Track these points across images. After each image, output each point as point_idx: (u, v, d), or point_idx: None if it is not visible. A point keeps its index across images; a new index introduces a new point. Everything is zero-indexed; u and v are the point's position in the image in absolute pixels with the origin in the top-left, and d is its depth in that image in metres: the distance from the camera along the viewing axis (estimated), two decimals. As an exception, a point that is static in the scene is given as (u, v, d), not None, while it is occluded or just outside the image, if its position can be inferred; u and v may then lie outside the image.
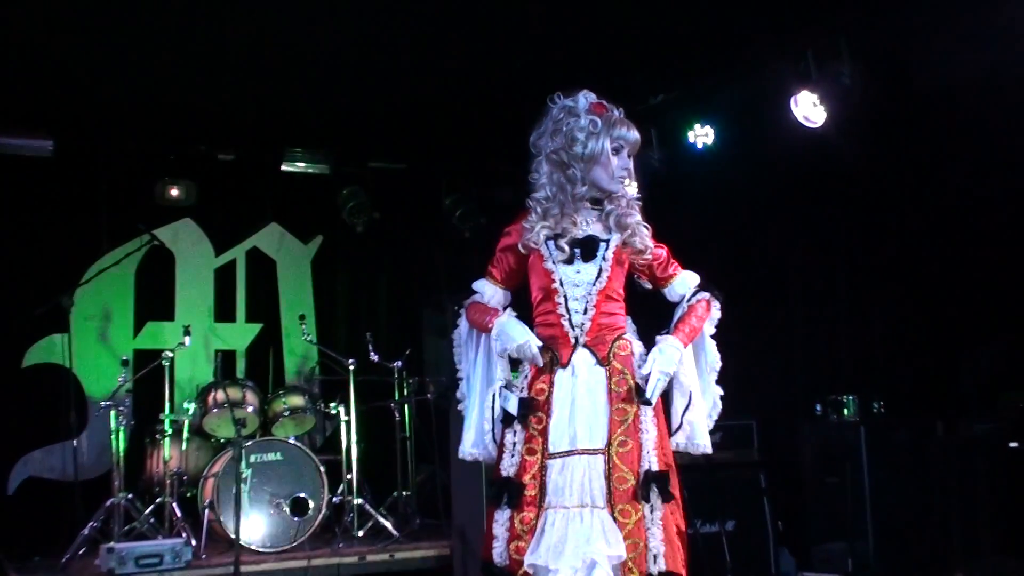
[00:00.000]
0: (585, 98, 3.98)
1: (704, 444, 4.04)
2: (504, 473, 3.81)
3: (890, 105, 6.64)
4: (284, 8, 6.54)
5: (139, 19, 6.60)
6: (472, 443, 4.00)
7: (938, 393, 6.72)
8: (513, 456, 3.80)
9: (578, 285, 3.88)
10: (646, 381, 3.79)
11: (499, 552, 3.73)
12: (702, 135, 7.72)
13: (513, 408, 3.83)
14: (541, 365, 3.84)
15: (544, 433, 3.79)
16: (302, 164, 9.42)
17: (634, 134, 4.00)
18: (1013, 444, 6.11)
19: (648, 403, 3.79)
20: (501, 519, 3.75)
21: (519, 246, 3.97)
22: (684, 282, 4.16)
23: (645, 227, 4.01)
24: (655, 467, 3.75)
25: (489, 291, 4.09)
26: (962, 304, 6.60)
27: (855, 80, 6.44)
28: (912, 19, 6.28)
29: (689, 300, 4.12)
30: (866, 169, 7.05)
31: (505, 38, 7.00)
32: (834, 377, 7.45)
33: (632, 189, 4.11)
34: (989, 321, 6.43)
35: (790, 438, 7.36)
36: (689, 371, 4.05)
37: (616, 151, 3.93)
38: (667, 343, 3.91)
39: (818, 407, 7.17)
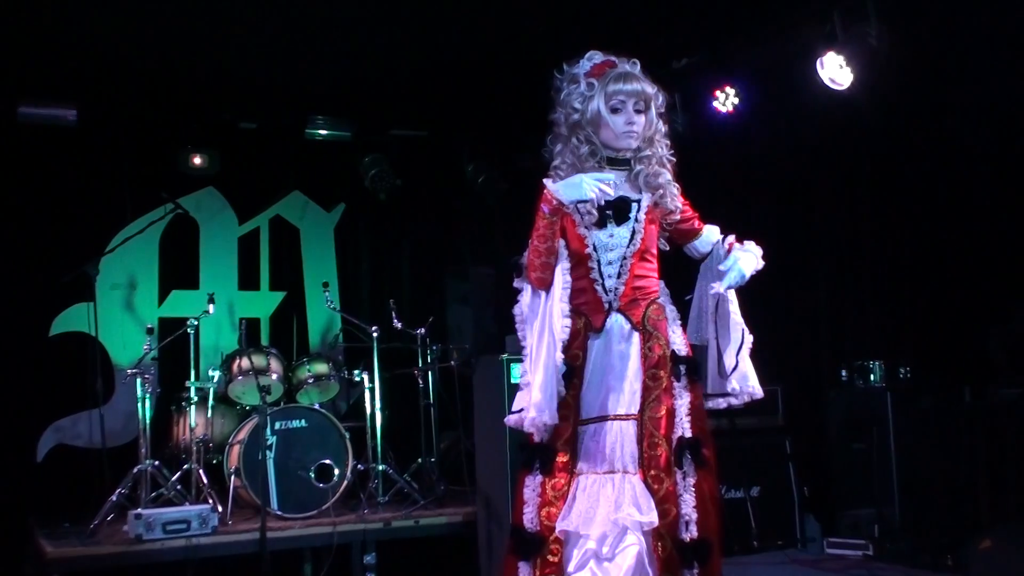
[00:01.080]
0: (589, 61, 3.92)
1: (756, 388, 4.02)
2: (536, 438, 3.79)
3: (917, 66, 6.55)
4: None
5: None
6: (540, 407, 3.69)
7: (965, 359, 6.67)
8: None
9: (612, 249, 3.84)
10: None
11: (530, 518, 3.72)
12: (727, 99, 7.64)
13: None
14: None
15: (577, 399, 3.79)
16: (324, 132, 9.40)
17: (632, 86, 3.85)
18: (1041, 409, 6.07)
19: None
20: (532, 484, 3.75)
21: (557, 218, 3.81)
22: (712, 234, 4.11)
23: (675, 186, 3.96)
24: (688, 433, 3.74)
25: (562, 253, 3.88)
26: (990, 270, 6.54)
27: (882, 41, 6.34)
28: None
29: (722, 243, 4.06)
30: (894, 131, 6.97)
31: (527, 2, 6.95)
32: (860, 342, 7.40)
33: (661, 146, 3.97)
34: (1018, 287, 6.37)
35: (816, 404, 7.34)
36: (736, 309, 4.02)
37: (615, 109, 3.83)
38: (750, 245, 3.94)
39: (844, 373, 7.14)
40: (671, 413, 3.75)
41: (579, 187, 3.66)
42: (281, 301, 9.71)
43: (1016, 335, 6.42)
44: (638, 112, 3.85)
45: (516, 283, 3.89)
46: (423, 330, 8.40)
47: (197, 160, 9.07)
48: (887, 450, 6.66)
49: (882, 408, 6.72)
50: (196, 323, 7.96)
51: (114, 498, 7.31)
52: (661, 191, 3.91)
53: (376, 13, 7.11)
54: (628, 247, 3.84)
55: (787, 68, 7.14)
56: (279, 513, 7.38)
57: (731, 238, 4.03)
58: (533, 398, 3.69)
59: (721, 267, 3.83)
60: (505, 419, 3.89)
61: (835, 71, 6.65)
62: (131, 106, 8.69)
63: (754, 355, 4.10)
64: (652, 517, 3.61)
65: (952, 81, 6.53)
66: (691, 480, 3.69)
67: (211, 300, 8.07)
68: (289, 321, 9.25)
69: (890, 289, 7.30)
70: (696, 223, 4.09)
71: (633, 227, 3.85)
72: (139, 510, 6.85)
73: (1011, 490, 6.24)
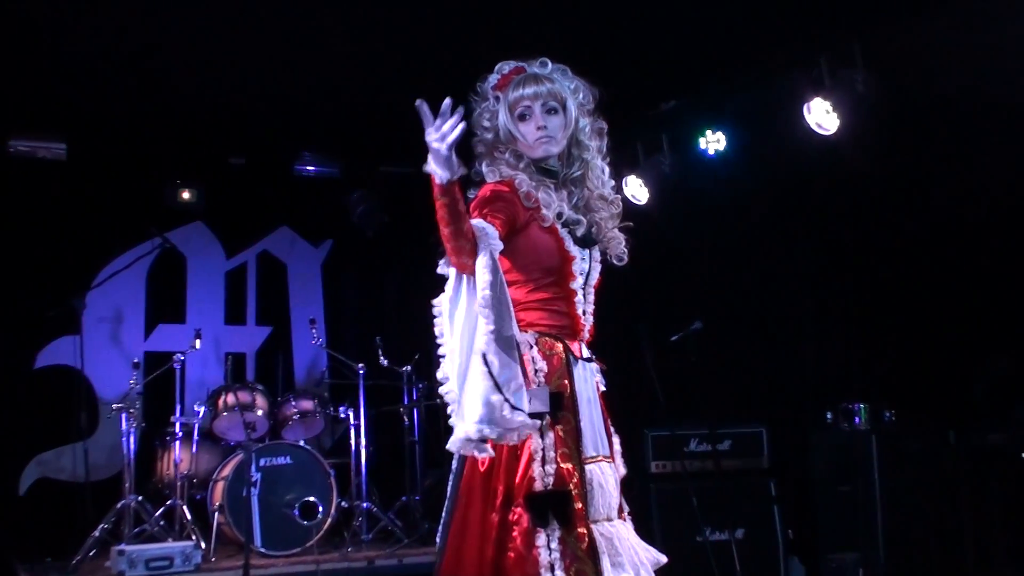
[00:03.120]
0: (497, 73, 3.54)
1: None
2: (540, 484, 3.17)
3: (904, 113, 6.61)
4: (294, 12, 6.55)
5: (150, 24, 6.62)
6: (480, 418, 3.04)
7: (950, 402, 6.69)
8: (546, 464, 3.19)
9: (582, 273, 3.45)
10: None
11: None
12: (714, 141, 7.70)
13: (545, 404, 3.16)
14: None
15: (576, 435, 3.29)
16: (312, 168, 9.43)
17: (535, 87, 3.42)
18: (1026, 454, 6.09)
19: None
20: (547, 541, 3.13)
21: (520, 210, 3.33)
22: None
23: (622, 238, 3.62)
24: (624, 471, 3.53)
25: (492, 234, 3.18)
26: (975, 312, 6.57)
27: (869, 87, 6.41)
28: (926, 26, 6.27)
29: None
30: (879, 177, 7.03)
31: (515, 41, 6.97)
32: (845, 385, 7.42)
33: (596, 161, 3.55)
34: (1002, 330, 6.41)
35: (801, 446, 7.34)
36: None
37: (522, 117, 3.42)
38: None
39: (829, 415, 7.14)
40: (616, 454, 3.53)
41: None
42: (267, 336, 9.72)
43: (1000, 378, 6.45)
44: (550, 112, 3.43)
45: (441, 268, 3.26)
46: (409, 367, 8.42)
47: (186, 195, 9.09)
48: (872, 493, 6.65)
49: (867, 451, 6.72)
50: (182, 358, 7.95)
51: (97, 533, 7.29)
52: (615, 241, 3.60)
53: (364, 51, 7.16)
54: (591, 274, 3.50)
55: (774, 112, 7.20)
56: (263, 551, 7.36)
57: None
58: (469, 411, 3.07)
59: None
60: (448, 445, 3.19)
61: (822, 116, 6.70)
62: (120, 140, 8.71)
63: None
64: (660, 555, 3.43)
65: (938, 128, 6.59)
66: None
67: (198, 336, 8.09)
68: (275, 356, 9.24)
69: (875, 332, 7.33)
70: None
71: (593, 252, 3.53)
72: (122, 546, 6.84)
73: (996, 535, 6.25)
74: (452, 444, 3.18)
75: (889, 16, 6.33)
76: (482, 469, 3.26)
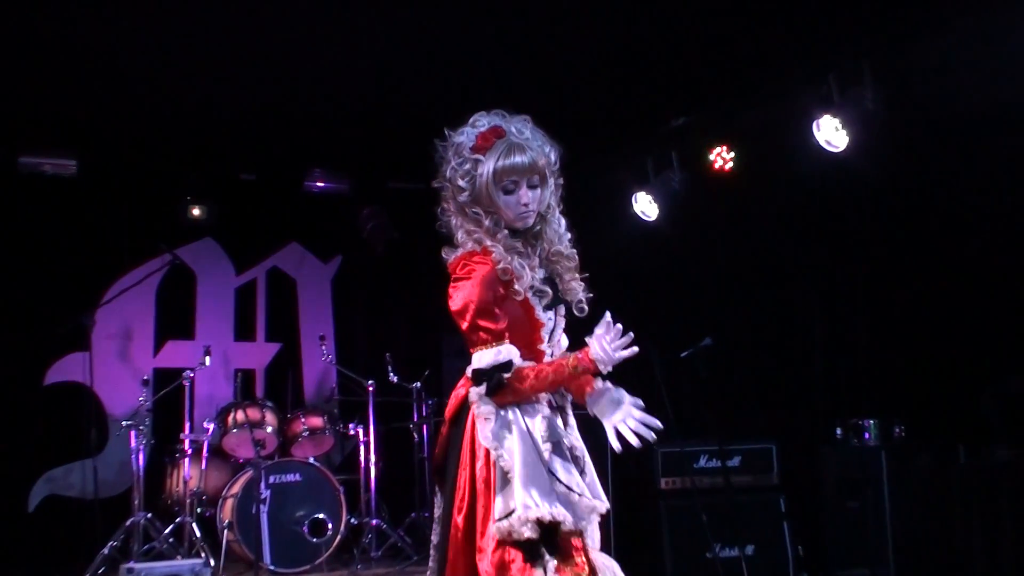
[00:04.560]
0: (473, 129, 3.46)
1: None
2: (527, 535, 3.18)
3: (913, 130, 6.61)
4: (304, 29, 6.57)
5: (161, 41, 6.65)
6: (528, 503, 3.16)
7: (960, 418, 6.67)
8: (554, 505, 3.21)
9: (548, 332, 3.49)
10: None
11: None
12: (724, 158, 7.71)
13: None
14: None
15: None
16: (322, 184, 9.45)
17: (523, 159, 3.37)
18: (1037, 470, 6.07)
19: None
20: (543, 574, 3.16)
21: (499, 287, 3.36)
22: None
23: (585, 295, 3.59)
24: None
25: (516, 353, 3.33)
26: (985, 329, 6.56)
27: (878, 105, 6.42)
28: (935, 43, 6.27)
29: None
30: (888, 193, 7.03)
31: (525, 59, 7.02)
32: (855, 401, 7.41)
33: (558, 229, 3.56)
34: (1013, 347, 6.39)
35: (810, 462, 7.32)
36: None
37: (508, 190, 3.38)
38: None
39: (839, 431, 7.13)
40: None
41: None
42: (277, 353, 9.72)
43: (1011, 394, 6.43)
44: (533, 188, 3.41)
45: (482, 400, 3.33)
46: (419, 384, 8.42)
47: (196, 211, 9.11)
48: (882, 509, 6.64)
49: (877, 467, 6.70)
50: (191, 375, 7.96)
51: (106, 550, 7.29)
52: (568, 293, 3.57)
53: (374, 68, 7.19)
54: (556, 331, 3.54)
55: (783, 129, 7.20)
56: (272, 568, 7.36)
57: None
58: (519, 495, 3.17)
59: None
60: (494, 527, 3.20)
61: (831, 134, 6.70)
62: (131, 157, 8.75)
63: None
64: None
65: (947, 144, 6.59)
66: None
67: (207, 352, 8.10)
68: (284, 373, 9.25)
69: (885, 348, 7.32)
70: None
71: (558, 310, 3.55)
72: (131, 564, 6.83)
73: (1007, 550, 6.22)
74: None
75: (898, 34, 6.34)
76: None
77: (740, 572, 6.64)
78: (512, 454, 3.23)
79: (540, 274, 3.46)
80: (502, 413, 3.29)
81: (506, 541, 3.17)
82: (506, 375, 3.27)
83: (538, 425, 3.30)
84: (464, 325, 3.33)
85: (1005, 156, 6.21)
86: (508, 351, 3.29)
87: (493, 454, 3.24)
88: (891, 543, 6.55)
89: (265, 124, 8.26)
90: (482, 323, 3.30)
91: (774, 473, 7.28)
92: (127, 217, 8.99)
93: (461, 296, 3.34)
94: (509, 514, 3.15)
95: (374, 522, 7.93)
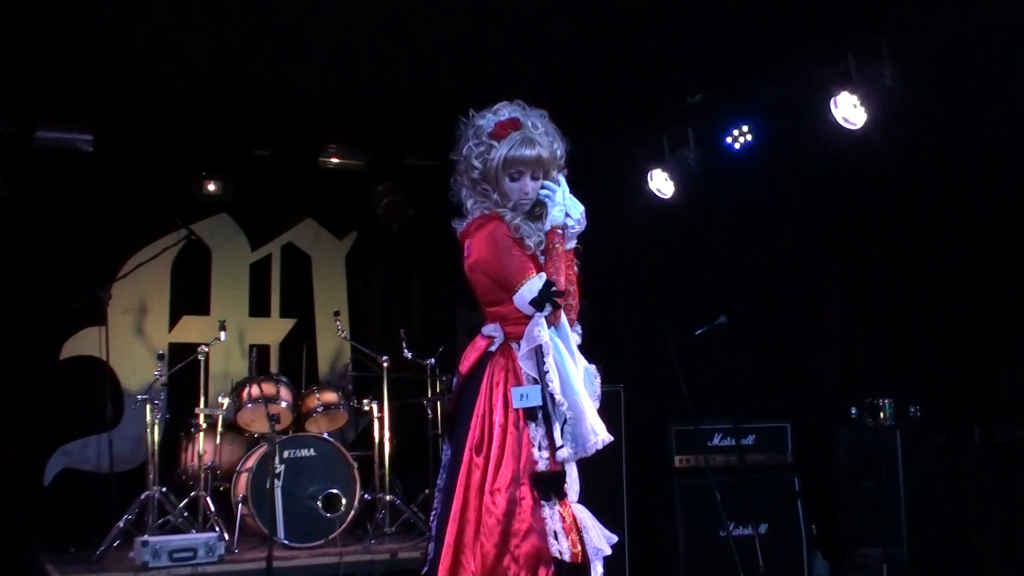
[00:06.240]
0: (494, 116, 3.88)
1: None
2: (542, 465, 3.67)
3: (931, 107, 6.56)
4: (320, 4, 6.55)
5: (177, 15, 6.63)
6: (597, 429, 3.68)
7: (976, 398, 6.65)
8: (543, 450, 3.69)
9: None
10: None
11: (561, 548, 3.60)
12: (740, 135, 7.67)
13: (538, 399, 3.71)
14: None
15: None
16: (337, 160, 9.43)
17: (532, 153, 3.82)
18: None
19: None
20: (550, 514, 3.63)
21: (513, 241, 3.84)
22: None
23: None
24: None
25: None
26: (1002, 308, 6.53)
27: (896, 81, 6.36)
28: (953, 19, 6.21)
29: None
30: (906, 171, 6.98)
31: (541, 36, 6.99)
32: (870, 380, 7.39)
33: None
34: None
35: (825, 441, 7.32)
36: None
37: (513, 177, 3.84)
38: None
39: (854, 410, 7.11)
40: None
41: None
42: (291, 328, 9.72)
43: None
44: (535, 179, 3.86)
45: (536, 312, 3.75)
46: (433, 360, 8.42)
47: (211, 187, 9.11)
48: (896, 489, 6.62)
49: (892, 446, 6.69)
50: (207, 349, 7.98)
51: (121, 524, 7.32)
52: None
53: (390, 43, 7.15)
54: None
55: (801, 107, 7.15)
56: (286, 543, 7.38)
57: None
58: (592, 421, 3.67)
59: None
60: (558, 456, 3.67)
61: (849, 111, 6.65)
62: (147, 132, 8.73)
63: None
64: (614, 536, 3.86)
65: (965, 121, 6.54)
66: None
67: (223, 327, 8.11)
68: (299, 349, 9.25)
69: (901, 327, 7.30)
70: None
71: None
72: (146, 537, 6.86)
73: (1021, 529, 6.21)
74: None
75: (916, 10, 6.28)
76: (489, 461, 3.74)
77: (753, 551, 6.65)
78: (570, 385, 3.69)
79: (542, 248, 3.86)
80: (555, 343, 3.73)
81: (533, 474, 3.64)
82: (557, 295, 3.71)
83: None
84: (493, 267, 3.81)
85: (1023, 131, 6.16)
86: (543, 276, 3.73)
87: (551, 386, 3.66)
88: (905, 523, 6.54)
89: (280, 100, 8.24)
90: (516, 252, 3.77)
91: (788, 452, 7.28)
92: (143, 192, 8.98)
93: (485, 245, 3.82)
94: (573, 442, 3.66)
95: (388, 498, 7.95)
